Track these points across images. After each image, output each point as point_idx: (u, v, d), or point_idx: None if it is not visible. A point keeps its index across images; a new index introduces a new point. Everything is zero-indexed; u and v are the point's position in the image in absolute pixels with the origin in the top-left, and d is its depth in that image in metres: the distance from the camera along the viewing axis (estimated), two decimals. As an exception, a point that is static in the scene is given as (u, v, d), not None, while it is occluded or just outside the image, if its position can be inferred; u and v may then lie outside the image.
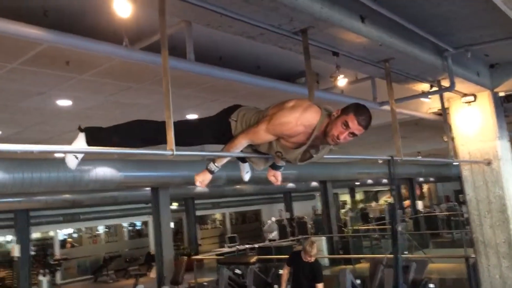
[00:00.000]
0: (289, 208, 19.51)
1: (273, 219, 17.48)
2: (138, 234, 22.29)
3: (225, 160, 2.66)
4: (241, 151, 2.58)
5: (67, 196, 11.67)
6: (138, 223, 22.56)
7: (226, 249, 13.58)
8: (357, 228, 16.46)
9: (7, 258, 15.38)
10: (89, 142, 2.57)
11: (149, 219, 20.99)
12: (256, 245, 11.80)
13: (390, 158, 4.08)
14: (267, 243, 12.77)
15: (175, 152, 2.36)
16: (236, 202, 23.53)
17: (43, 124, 6.68)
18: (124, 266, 17.00)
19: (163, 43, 2.43)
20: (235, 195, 20.17)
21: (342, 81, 4.58)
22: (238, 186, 15.37)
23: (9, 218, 14.31)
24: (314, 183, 17.37)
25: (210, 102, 5.95)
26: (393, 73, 4.74)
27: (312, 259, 5.63)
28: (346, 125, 2.33)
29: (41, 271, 13.67)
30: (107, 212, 18.43)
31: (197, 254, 15.34)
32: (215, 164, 2.55)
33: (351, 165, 14.69)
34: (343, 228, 17.02)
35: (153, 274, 10.11)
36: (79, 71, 4.42)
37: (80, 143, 2.58)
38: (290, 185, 16.95)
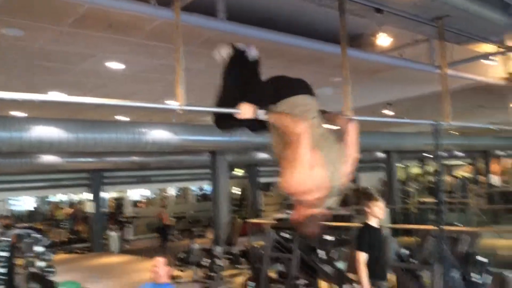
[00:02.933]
0: (354, 178, 19.17)
1: (333, 187, 17.28)
2: (204, 197, 23.15)
3: None
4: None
5: (135, 158, 12.28)
6: (207, 187, 23.41)
7: (283, 215, 13.72)
8: (422, 201, 15.85)
9: (84, 214, 16.71)
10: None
11: (214, 183, 21.72)
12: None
13: (435, 123, 3.83)
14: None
15: (183, 107, 2.40)
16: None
17: (104, 87, 7.02)
18: (188, 227, 17.81)
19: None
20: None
21: (385, 40, 4.32)
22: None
23: (85, 178, 15.42)
24: (382, 155, 16.84)
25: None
26: (450, 32, 4.42)
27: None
28: None
29: (112, 227, 14.66)
30: (175, 176, 19.25)
31: (258, 219, 15.66)
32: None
33: (417, 135, 14.03)
34: (406, 200, 16.49)
35: (210, 235, 10.48)
36: (123, 33, 4.55)
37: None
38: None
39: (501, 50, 4.90)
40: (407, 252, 5.61)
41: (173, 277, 9.24)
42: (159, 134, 7.73)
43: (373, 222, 4.41)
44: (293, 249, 6.49)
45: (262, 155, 14.11)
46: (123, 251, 14.24)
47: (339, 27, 5.48)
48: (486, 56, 5.10)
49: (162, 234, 15.21)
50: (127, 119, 10.06)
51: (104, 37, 4.64)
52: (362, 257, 4.25)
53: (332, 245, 6.98)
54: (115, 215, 17.76)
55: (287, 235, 7.57)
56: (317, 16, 4.67)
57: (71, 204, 19.50)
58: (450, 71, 5.65)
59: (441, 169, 4.04)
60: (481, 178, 21.96)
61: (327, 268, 6.77)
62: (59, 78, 6.34)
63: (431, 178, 23.59)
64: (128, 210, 18.40)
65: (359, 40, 5.53)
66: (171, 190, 22.49)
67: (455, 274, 4.89)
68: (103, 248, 14.58)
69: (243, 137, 9.24)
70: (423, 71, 5.70)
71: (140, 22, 4.25)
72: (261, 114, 2.35)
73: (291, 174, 2.08)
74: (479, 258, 4.79)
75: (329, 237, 6.93)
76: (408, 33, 5.04)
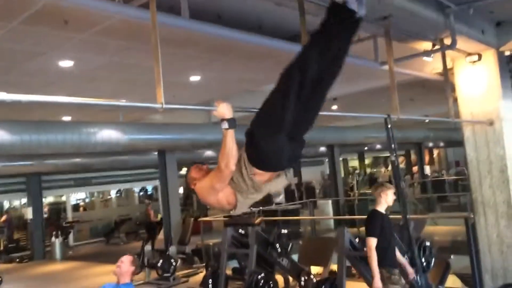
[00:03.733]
0: (297, 173, 19.64)
1: (280, 183, 17.66)
2: (148, 198, 22.74)
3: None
4: None
5: (77, 160, 11.88)
6: (149, 188, 23.00)
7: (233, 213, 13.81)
8: (363, 192, 16.59)
9: (21, 221, 15.87)
10: None
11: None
12: (262, 208, 11.98)
13: (386, 116, 4.09)
14: (273, 206, 12.97)
15: (164, 105, 2.42)
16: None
17: (50, 86, 6.76)
18: (134, 229, 17.45)
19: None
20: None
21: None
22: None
23: (22, 182, 14.66)
24: (323, 149, 17.39)
25: (212, 62, 5.96)
26: (393, 31, 4.69)
27: None
28: None
29: (54, 233, 14.07)
30: (118, 177, 18.80)
31: (206, 217, 15.65)
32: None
33: (358, 129, 14.63)
34: (349, 192, 17.18)
35: (161, 235, 10.37)
36: (78, 30, 4.44)
37: None
38: (299, 150, 16.96)
39: (437, 47, 5.27)
40: (357, 240, 5.90)
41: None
42: (108, 134, 7.54)
43: (382, 208, 4.52)
44: (250, 244, 6.59)
45: (209, 153, 14.12)
46: (66, 258, 13.72)
47: (291, 24, 5.65)
48: (428, 53, 5.46)
49: (149, 231, 14.75)
50: (69, 118, 9.72)
51: (57, 34, 4.50)
52: (373, 242, 4.31)
53: (287, 238, 7.18)
54: (57, 220, 17.03)
55: (243, 231, 7.69)
56: (273, 13, 4.81)
57: (6, 210, 18.46)
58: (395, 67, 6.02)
59: (397, 161, 4.30)
60: (414, 168, 23.32)
61: (284, 261, 6.96)
62: (1, 78, 6.04)
63: (370, 171, 24.69)
64: (70, 215, 17.70)
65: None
66: (112, 192, 21.88)
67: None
68: (44, 256, 13.97)
69: (191, 134, 9.24)
70: (366, 68, 6.00)
71: (96, 19, 4.17)
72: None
73: (202, 188, 2.50)
74: (426, 243, 5.14)
75: (284, 231, 7.13)
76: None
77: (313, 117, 2.50)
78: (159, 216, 16.89)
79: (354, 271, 6.72)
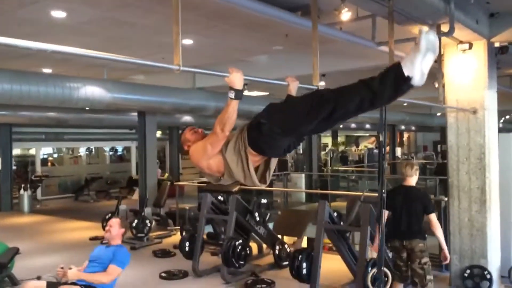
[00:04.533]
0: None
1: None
2: (119, 158, 22.50)
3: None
4: None
5: (52, 114, 11.56)
6: (119, 148, 22.70)
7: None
8: (336, 168, 16.91)
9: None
10: None
11: (132, 144, 21.16)
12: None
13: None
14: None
15: (181, 68, 2.39)
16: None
17: (36, 37, 6.48)
18: (105, 188, 17.33)
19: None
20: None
21: (346, 15, 4.53)
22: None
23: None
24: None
25: (209, 28, 5.85)
26: (395, 12, 4.71)
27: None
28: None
29: (23, 185, 13.83)
30: (90, 135, 18.48)
31: (178, 182, 15.66)
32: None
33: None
34: (323, 168, 17.48)
35: (135, 196, 10.35)
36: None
37: None
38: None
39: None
40: (335, 214, 6.07)
41: (96, 238, 9.10)
42: (91, 91, 7.36)
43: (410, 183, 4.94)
44: (230, 210, 6.68)
45: (187, 118, 14.02)
46: (34, 211, 13.57)
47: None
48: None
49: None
50: (49, 71, 9.41)
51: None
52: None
53: (266, 208, 7.31)
54: (25, 173, 16.70)
55: (222, 198, 7.78)
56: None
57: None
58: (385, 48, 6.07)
59: (384, 140, 4.37)
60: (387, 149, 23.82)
61: (261, 230, 7.11)
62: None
63: (343, 148, 25.11)
64: (39, 169, 17.37)
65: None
66: (82, 150, 21.51)
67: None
68: (12, 207, 13.77)
69: (176, 98, 9.13)
70: (358, 47, 6.02)
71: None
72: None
73: (196, 151, 2.53)
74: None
75: (264, 200, 7.25)
76: (352, 10, 5.31)
77: (321, 130, 2.69)
78: (166, 174, 16.82)
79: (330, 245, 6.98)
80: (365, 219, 5.37)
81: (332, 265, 6.74)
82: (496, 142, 6.26)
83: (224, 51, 7.59)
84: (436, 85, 6.82)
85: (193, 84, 9.29)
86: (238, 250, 6.17)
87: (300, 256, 5.61)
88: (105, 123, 13.65)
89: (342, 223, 6.00)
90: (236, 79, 2.32)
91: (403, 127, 24.22)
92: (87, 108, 10.59)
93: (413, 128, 25.09)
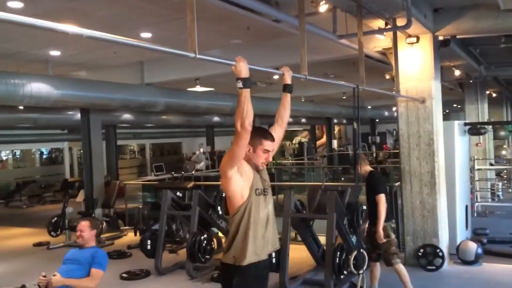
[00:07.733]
0: (211, 142, 19.73)
1: (202, 150, 17.69)
2: (51, 160, 21.32)
3: None
4: None
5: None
6: (44, 150, 21.36)
7: (152, 177, 13.62)
8: (279, 162, 17.25)
9: None
10: None
11: (65, 145, 20.12)
12: (185, 174, 11.94)
13: (355, 86, 4.35)
14: (195, 172, 12.96)
15: (198, 55, 2.38)
16: (157, 133, 23.26)
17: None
18: (38, 192, 16.35)
19: None
20: (159, 126, 19.91)
21: (323, 7, 4.66)
22: (164, 117, 15.04)
23: None
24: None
25: (172, 20, 5.73)
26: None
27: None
28: (267, 151, 2.65)
29: None
30: (16, 136, 17.24)
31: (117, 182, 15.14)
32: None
33: (275, 102, 14.90)
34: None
35: (80, 198, 9.87)
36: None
37: None
38: (216, 119, 17.01)
39: (389, 26, 5.64)
40: (298, 203, 6.24)
41: (41, 244, 8.60)
42: (37, 87, 6.94)
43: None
44: (192, 205, 6.63)
45: (126, 116, 13.54)
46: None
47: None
48: (381, 31, 5.82)
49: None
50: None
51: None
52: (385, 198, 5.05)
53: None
54: None
55: (180, 194, 7.68)
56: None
57: None
58: (345, 41, 6.32)
59: (358, 130, 4.59)
60: (321, 141, 24.66)
61: (222, 223, 7.11)
62: None
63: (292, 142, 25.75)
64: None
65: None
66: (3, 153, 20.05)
67: (346, 222, 5.66)
68: None
69: (125, 94, 8.83)
70: (322, 39, 6.17)
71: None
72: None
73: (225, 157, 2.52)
74: (363, 207, 5.61)
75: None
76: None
77: None
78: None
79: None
80: (331, 206, 5.56)
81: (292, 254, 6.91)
82: (441, 129, 6.75)
83: (180, 45, 7.44)
84: (387, 77, 7.23)
85: (141, 80, 9.04)
86: (204, 244, 6.14)
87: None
88: (40, 123, 12.71)
89: (304, 212, 6.18)
90: (242, 67, 2.36)
91: (335, 120, 25.19)
92: (21, 107, 9.93)
93: (344, 121, 26.15)
